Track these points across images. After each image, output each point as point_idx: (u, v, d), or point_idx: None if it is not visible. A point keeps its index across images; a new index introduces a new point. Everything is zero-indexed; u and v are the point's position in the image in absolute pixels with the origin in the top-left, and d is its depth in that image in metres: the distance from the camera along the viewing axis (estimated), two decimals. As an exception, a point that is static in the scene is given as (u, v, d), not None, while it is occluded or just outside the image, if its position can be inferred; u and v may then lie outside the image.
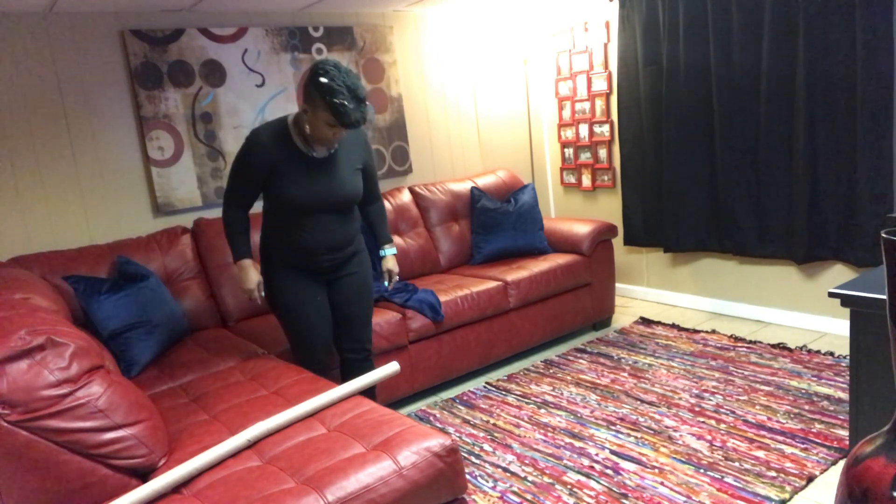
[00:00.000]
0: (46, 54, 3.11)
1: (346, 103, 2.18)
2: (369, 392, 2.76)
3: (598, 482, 2.38)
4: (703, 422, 2.73)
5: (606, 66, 4.25)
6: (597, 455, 2.57)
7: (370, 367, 2.73)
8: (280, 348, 2.87)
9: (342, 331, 2.66)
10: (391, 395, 3.13)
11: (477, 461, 2.63)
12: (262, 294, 2.56)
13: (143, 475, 1.80)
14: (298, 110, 2.42)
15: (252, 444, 1.90)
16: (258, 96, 3.71)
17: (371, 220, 2.74)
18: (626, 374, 3.28)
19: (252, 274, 2.52)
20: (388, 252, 2.76)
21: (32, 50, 3.08)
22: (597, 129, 4.39)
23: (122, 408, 1.72)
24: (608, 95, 4.28)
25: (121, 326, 2.69)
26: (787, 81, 3.33)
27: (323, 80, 2.20)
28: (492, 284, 3.49)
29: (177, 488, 1.72)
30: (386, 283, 2.79)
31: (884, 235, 0.83)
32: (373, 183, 2.66)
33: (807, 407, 2.74)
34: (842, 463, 2.35)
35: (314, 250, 2.46)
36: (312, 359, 2.62)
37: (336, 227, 2.47)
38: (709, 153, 3.78)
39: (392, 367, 2.33)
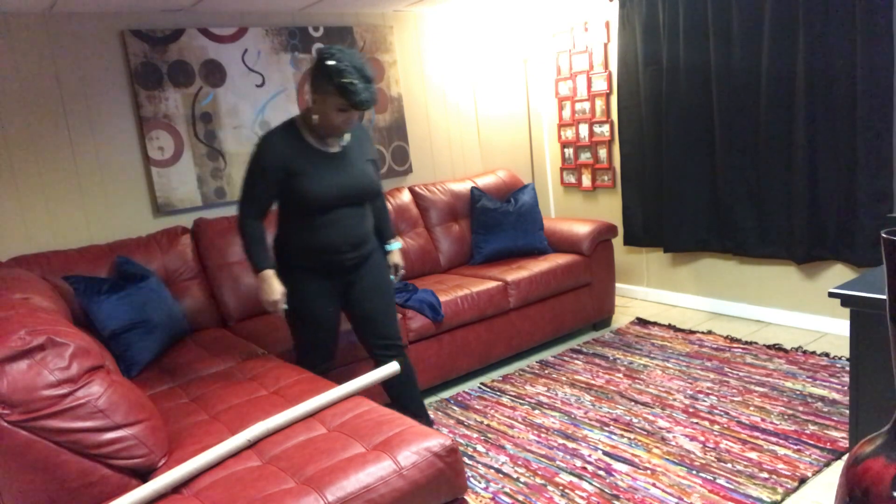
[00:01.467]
0: (46, 54, 3.11)
1: (354, 82, 2.15)
2: (409, 384, 2.69)
3: (590, 483, 2.38)
4: (696, 423, 2.73)
5: (606, 66, 4.25)
6: (589, 456, 2.57)
7: (407, 365, 2.66)
8: (280, 348, 2.87)
9: (368, 329, 2.59)
10: (391, 395, 3.13)
11: (470, 462, 2.63)
12: (286, 306, 2.47)
13: (143, 475, 1.80)
14: (302, 110, 2.43)
15: (252, 444, 1.90)
16: (258, 96, 3.71)
17: (375, 215, 2.69)
18: (620, 375, 3.28)
19: (276, 285, 2.41)
20: (394, 246, 2.75)
21: (32, 50, 3.08)
22: (597, 129, 4.39)
23: (122, 408, 1.72)
24: (608, 95, 4.28)
25: (121, 326, 2.69)
26: (787, 81, 3.33)
27: (330, 62, 2.17)
28: (492, 284, 3.49)
29: (177, 488, 1.72)
30: (392, 277, 2.74)
31: (884, 235, 0.84)
32: (378, 178, 2.64)
33: (801, 408, 2.74)
34: (835, 465, 2.36)
35: (339, 247, 2.41)
36: (313, 365, 2.63)
37: (357, 221, 2.44)
38: (709, 153, 3.78)
39: (392, 367, 2.33)
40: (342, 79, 2.15)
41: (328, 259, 2.42)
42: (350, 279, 2.54)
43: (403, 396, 2.67)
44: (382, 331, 2.60)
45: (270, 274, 2.41)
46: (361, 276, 2.55)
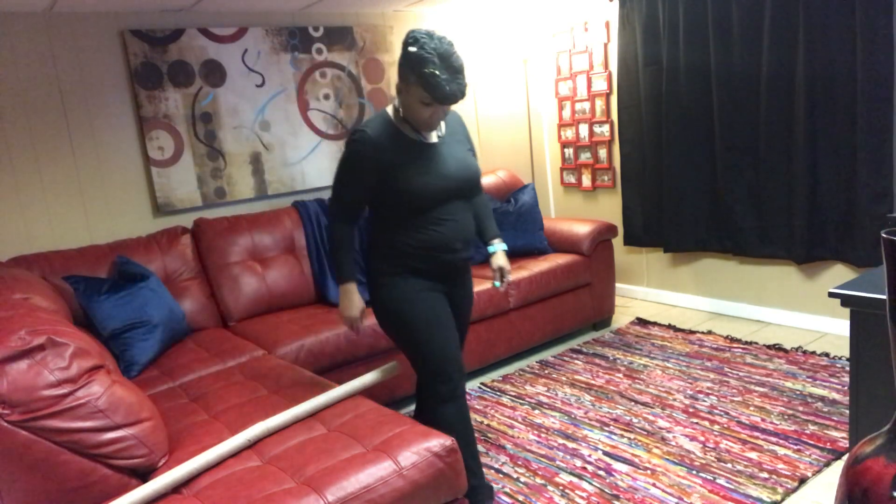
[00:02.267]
0: (46, 54, 3.11)
1: (437, 73, 1.91)
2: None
3: (590, 483, 2.38)
4: (696, 423, 2.73)
5: (606, 66, 4.25)
6: (589, 456, 2.57)
7: (460, 407, 2.20)
8: (280, 349, 2.87)
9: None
10: (391, 395, 3.13)
11: (476, 461, 2.63)
12: (365, 324, 2.30)
13: (143, 475, 1.80)
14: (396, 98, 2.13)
15: (252, 444, 1.90)
16: (258, 96, 3.71)
17: (476, 211, 2.39)
18: (620, 375, 3.28)
19: (357, 300, 2.20)
20: (499, 247, 2.38)
21: (32, 50, 3.08)
22: (597, 129, 4.39)
23: (122, 408, 1.72)
24: (608, 95, 4.28)
25: (121, 326, 2.69)
26: (787, 81, 3.33)
27: (412, 49, 1.95)
28: (492, 284, 3.49)
29: (177, 488, 1.72)
30: (497, 283, 2.38)
31: (884, 235, 0.84)
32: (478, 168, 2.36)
33: (801, 408, 2.74)
34: (835, 465, 2.36)
35: (450, 244, 2.15)
36: (448, 378, 2.17)
37: (466, 215, 2.19)
38: (709, 153, 3.78)
39: (392, 368, 2.33)
40: (423, 68, 1.91)
41: (441, 259, 2.15)
42: (453, 285, 2.28)
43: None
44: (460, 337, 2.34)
45: (354, 287, 2.20)
46: (461, 284, 2.30)
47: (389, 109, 2.12)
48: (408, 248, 2.13)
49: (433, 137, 2.14)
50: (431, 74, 1.90)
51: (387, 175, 2.06)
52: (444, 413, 2.16)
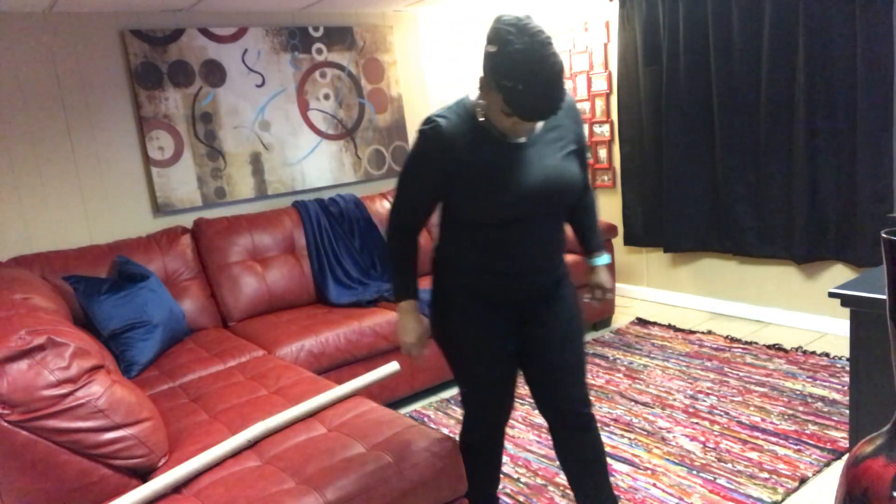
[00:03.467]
0: (46, 54, 3.11)
1: (519, 87, 1.45)
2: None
3: (597, 482, 2.38)
4: (696, 423, 2.73)
5: (606, 66, 4.25)
6: (595, 455, 2.57)
7: (594, 441, 1.90)
8: (280, 349, 2.87)
9: (548, 387, 1.86)
10: (391, 395, 3.13)
11: (476, 461, 2.63)
12: (425, 350, 1.90)
13: (143, 475, 1.80)
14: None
15: (252, 444, 1.90)
16: (258, 96, 3.71)
17: (577, 218, 1.94)
18: (620, 375, 3.28)
19: (412, 324, 1.84)
20: (601, 261, 1.98)
21: (32, 50, 3.08)
22: (597, 129, 4.39)
23: (122, 408, 1.72)
24: (608, 95, 4.28)
25: (121, 326, 2.69)
26: (787, 81, 3.33)
27: (490, 49, 1.50)
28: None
29: (177, 488, 1.72)
30: (588, 297, 2.03)
31: (884, 235, 0.84)
32: (584, 168, 1.83)
33: (801, 408, 2.74)
34: (835, 465, 2.36)
35: (519, 270, 1.74)
36: (483, 420, 1.95)
37: (546, 236, 1.74)
38: (709, 153, 3.78)
39: (392, 367, 2.33)
40: (504, 80, 1.47)
41: (504, 285, 1.76)
42: (528, 314, 1.83)
43: (587, 484, 1.91)
44: (566, 391, 1.84)
45: (411, 307, 1.84)
46: (545, 312, 1.82)
47: (472, 97, 1.68)
48: (467, 265, 1.76)
49: (522, 136, 1.67)
50: (514, 87, 1.46)
51: (457, 178, 1.66)
52: (465, 450, 2.01)
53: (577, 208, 1.92)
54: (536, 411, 3.00)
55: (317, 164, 3.96)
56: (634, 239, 4.25)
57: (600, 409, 2.94)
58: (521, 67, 1.45)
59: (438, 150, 1.64)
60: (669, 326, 3.87)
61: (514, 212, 1.66)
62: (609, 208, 4.49)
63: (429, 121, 1.65)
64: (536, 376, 1.87)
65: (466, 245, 1.74)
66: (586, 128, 4.44)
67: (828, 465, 2.35)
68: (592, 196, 1.95)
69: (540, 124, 1.70)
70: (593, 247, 1.97)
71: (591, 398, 1.87)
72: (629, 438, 2.66)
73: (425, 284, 3.61)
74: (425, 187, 1.70)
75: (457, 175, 1.65)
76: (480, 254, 1.72)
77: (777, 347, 3.36)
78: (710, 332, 3.70)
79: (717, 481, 2.30)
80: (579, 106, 4.47)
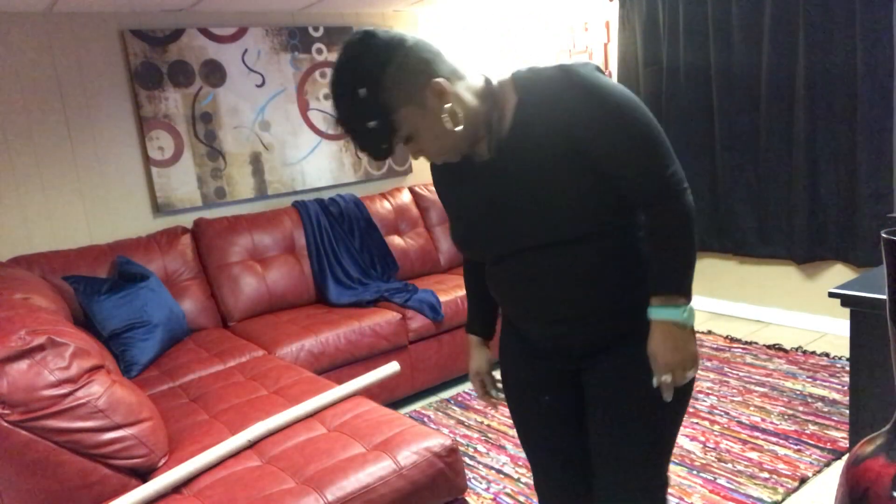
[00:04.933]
0: (46, 54, 3.11)
1: (334, 113, 1.20)
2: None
3: (597, 482, 2.38)
4: (696, 423, 2.73)
5: (606, 66, 4.25)
6: (596, 455, 2.57)
7: None
8: (280, 349, 2.86)
9: (594, 463, 1.36)
10: (391, 395, 3.13)
11: (471, 462, 2.63)
12: (497, 392, 1.60)
13: (143, 475, 1.80)
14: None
15: (252, 444, 1.90)
16: (258, 96, 3.71)
17: (631, 247, 1.29)
18: (625, 375, 3.28)
19: (476, 357, 1.58)
20: (659, 314, 1.24)
21: (32, 50, 3.08)
22: (597, 129, 4.39)
23: (122, 408, 1.73)
24: (608, 95, 4.28)
25: (121, 326, 2.69)
26: (787, 81, 3.33)
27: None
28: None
29: (177, 488, 1.72)
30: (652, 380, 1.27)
31: (884, 235, 0.84)
32: (631, 170, 1.19)
33: (801, 408, 2.74)
34: (835, 465, 2.36)
35: (531, 319, 1.34)
36: (540, 489, 1.51)
37: (554, 276, 1.25)
38: (709, 153, 3.78)
39: (392, 367, 2.33)
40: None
41: (527, 331, 1.39)
42: (585, 361, 1.36)
43: None
44: (601, 475, 1.34)
45: (474, 342, 1.58)
46: (605, 361, 1.33)
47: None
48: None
49: (484, 153, 1.27)
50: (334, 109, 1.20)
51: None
52: None
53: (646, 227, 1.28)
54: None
55: (317, 164, 3.96)
56: (634, 239, 4.25)
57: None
58: (332, 96, 1.20)
59: (434, 175, 1.46)
60: (669, 326, 3.87)
61: (479, 247, 1.31)
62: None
63: None
64: (589, 445, 1.38)
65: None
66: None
67: (828, 465, 2.35)
68: (667, 210, 1.23)
69: (506, 127, 1.24)
70: (653, 286, 1.26)
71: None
72: (629, 438, 2.66)
73: (426, 285, 3.61)
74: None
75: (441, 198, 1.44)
76: (493, 293, 1.40)
77: (777, 347, 3.36)
78: (710, 332, 3.70)
79: (717, 481, 2.30)
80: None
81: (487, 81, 1.32)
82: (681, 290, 1.24)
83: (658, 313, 1.24)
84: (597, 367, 1.33)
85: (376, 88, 1.14)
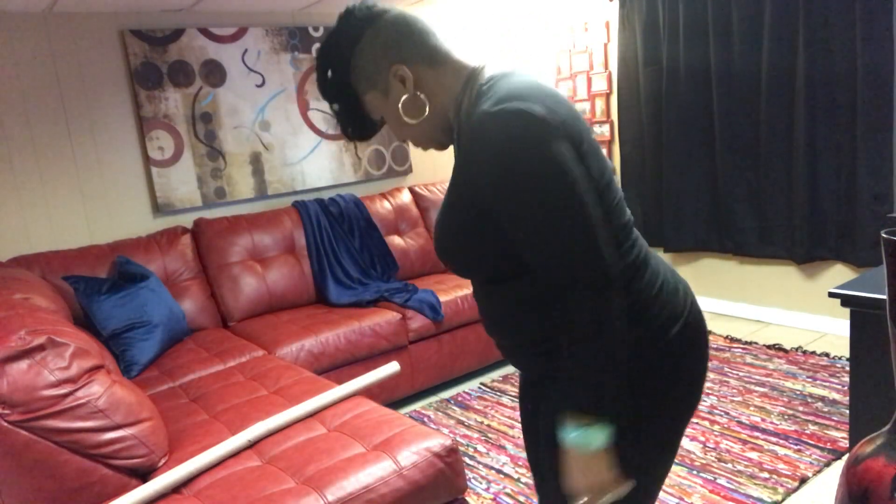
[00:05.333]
0: (46, 54, 3.11)
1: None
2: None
3: (597, 482, 2.38)
4: (696, 423, 2.73)
5: (606, 66, 4.25)
6: (596, 455, 2.57)
7: None
8: (280, 349, 2.86)
9: None
10: (391, 395, 3.13)
11: (471, 462, 2.63)
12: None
13: (143, 475, 1.80)
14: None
15: (252, 444, 1.90)
16: (258, 96, 3.71)
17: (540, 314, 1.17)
18: (625, 375, 3.28)
19: None
20: (563, 434, 1.03)
21: (32, 50, 3.08)
22: (597, 129, 4.39)
23: (122, 408, 1.72)
24: (608, 95, 4.28)
25: (121, 326, 2.69)
26: (787, 81, 3.34)
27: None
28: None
29: (177, 488, 1.72)
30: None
31: (884, 235, 0.84)
32: (527, 241, 1.01)
33: (801, 408, 2.74)
34: (835, 465, 2.36)
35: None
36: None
37: (492, 306, 1.17)
38: (709, 153, 3.78)
39: (392, 367, 2.33)
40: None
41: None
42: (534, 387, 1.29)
43: None
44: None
45: None
46: (526, 397, 1.33)
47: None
48: None
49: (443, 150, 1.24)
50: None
51: None
52: None
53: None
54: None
55: (317, 164, 3.96)
56: (634, 239, 4.26)
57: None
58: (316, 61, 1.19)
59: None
60: (669, 326, 3.87)
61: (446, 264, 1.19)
62: (609, 208, 4.49)
63: (527, 109, 1.11)
64: None
65: None
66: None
67: (828, 465, 2.35)
68: (575, 307, 0.99)
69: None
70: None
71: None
72: (629, 438, 2.66)
73: (426, 285, 3.61)
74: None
75: None
76: None
77: (777, 347, 3.36)
78: (709, 332, 3.70)
79: (718, 481, 2.30)
80: (579, 106, 4.46)
81: (475, 73, 1.19)
82: (582, 408, 0.99)
83: (562, 432, 1.02)
84: (537, 389, 1.24)
85: (344, 69, 1.09)
